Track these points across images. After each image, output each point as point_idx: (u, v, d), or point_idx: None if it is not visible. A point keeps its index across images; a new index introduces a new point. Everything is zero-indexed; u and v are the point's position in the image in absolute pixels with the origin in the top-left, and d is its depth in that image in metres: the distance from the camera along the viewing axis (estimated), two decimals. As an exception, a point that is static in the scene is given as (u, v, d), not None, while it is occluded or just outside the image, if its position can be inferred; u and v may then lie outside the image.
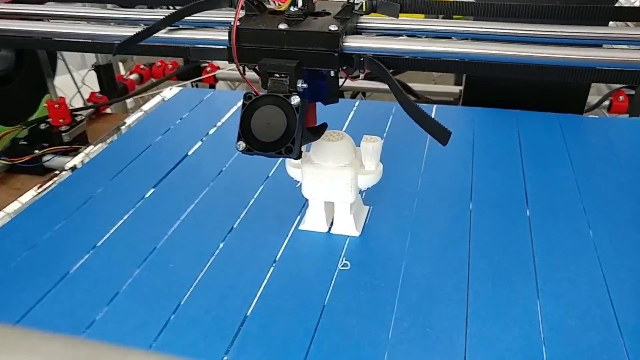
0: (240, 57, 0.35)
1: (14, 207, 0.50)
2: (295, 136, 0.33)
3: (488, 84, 0.68)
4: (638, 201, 0.48)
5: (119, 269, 0.41)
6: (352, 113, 0.65)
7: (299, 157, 0.34)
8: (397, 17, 0.35)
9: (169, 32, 0.38)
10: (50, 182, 0.54)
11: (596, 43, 0.35)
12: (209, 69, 0.86)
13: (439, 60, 0.35)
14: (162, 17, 0.37)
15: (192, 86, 0.87)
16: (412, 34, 0.38)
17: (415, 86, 0.82)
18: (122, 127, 0.65)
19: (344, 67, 0.35)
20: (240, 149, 0.34)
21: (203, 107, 0.69)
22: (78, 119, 0.71)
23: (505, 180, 0.51)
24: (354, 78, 0.76)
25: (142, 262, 0.42)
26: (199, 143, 0.60)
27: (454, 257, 0.41)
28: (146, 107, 0.71)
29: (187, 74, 0.85)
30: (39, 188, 0.52)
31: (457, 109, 0.67)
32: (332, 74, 0.36)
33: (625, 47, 0.35)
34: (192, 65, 0.85)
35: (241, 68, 0.36)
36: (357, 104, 0.67)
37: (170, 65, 0.86)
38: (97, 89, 0.83)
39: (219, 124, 0.65)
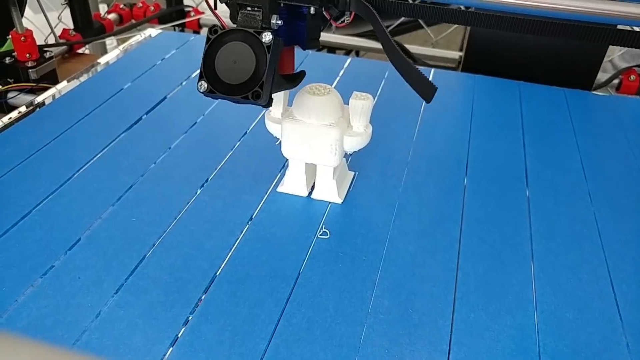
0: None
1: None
2: (264, 79, 0.28)
3: (490, 51, 0.63)
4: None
5: (78, 218, 0.37)
6: (342, 71, 0.60)
7: (268, 104, 0.30)
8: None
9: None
10: (11, 116, 0.49)
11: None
12: (192, 13, 0.80)
13: (435, 6, 0.30)
14: None
15: (174, 30, 0.81)
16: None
17: (413, 48, 0.77)
18: (97, 67, 0.60)
19: (328, 7, 0.30)
20: (201, 90, 0.30)
21: (183, 52, 0.64)
22: (47, 55, 0.65)
23: (504, 156, 0.47)
24: (340, 24, 0.70)
25: (103, 213, 0.38)
26: (177, 89, 0.55)
27: (444, 234, 0.37)
28: (123, 46, 0.65)
29: (170, 17, 0.79)
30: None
31: (456, 75, 0.62)
32: (312, 11, 0.31)
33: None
34: (175, 8, 0.78)
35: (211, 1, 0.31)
36: (348, 61, 0.62)
37: (152, 7, 0.79)
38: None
39: (198, 71, 0.59)
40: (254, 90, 0.29)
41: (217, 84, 0.29)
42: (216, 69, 0.29)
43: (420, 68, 0.46)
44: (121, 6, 0.82)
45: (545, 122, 0.53)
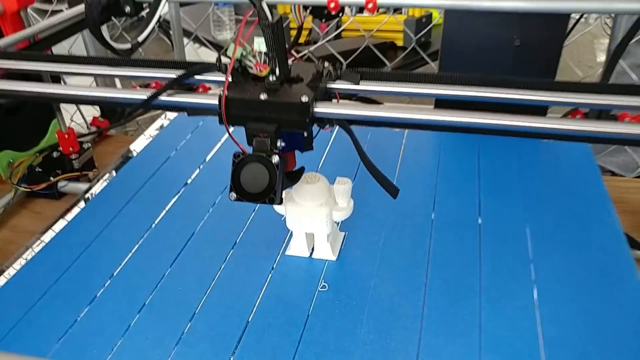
0: (229, 120, 0.42)
1: (49, 235, 0.57)
2: (276, 188, 0.41)
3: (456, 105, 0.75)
4: (579, 227, 0.55)
5: (137, 293, 0.49)
6: (330, 143, 0.72)
7: (280, 203, 0.42)
8: (358, 84, 0.43)
9: (170, 95, 0.46)
10: (71, 210, 0.61)
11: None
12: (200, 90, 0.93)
13: (398, 122, 0.42)
14: (166, 83, 0.45)
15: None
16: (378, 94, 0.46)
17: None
18: (130, 154, 0.73)
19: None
20: (232, 199, 0.42)
21: (198, 135, 0.76)
22: (85, 146, 0.78)
23: (462, 207, 0.58)
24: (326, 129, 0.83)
25: (157, 285, 0.50)
26: (197, 171, 0.68)
27: (415, 277, 0.49)
28: (148, 132, 0.78)
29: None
30: (64, 214, 0.60)
31: (425, 134, 0.73)
32: (305, 134, 0.43)
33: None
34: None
35: (230, 128, 0.43)
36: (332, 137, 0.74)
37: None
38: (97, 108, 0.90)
39: (213, 151, 0.72)
40: (269, 196, 0.41)
41: (243, 193, 0.42)
42: (241, 183, 0.42)
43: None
44: (137, 88, 0.95)
45: (497, 172, 0.64)
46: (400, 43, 1.22)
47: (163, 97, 0.45)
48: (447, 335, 0.43)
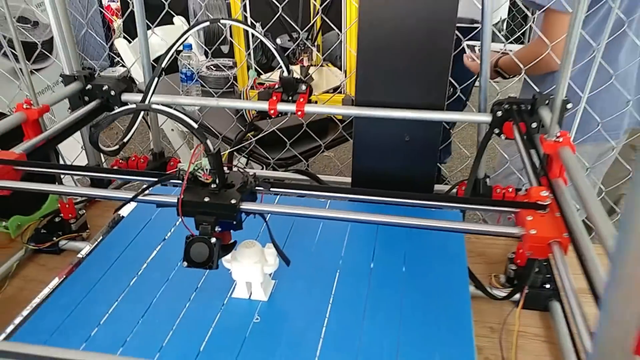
0: (184, 214, 0.64)
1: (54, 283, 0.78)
2: (213, 259, 0.62)
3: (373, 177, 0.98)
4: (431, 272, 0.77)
5: (125, 325, 0.70)
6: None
7: (216, 268, 0.63)
8: (269, 191, 0.65)
9: (144, 195, 0.67)
10: (71, 268, 0.82)
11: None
12: (172, 163, 1.14)
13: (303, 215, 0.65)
14: (142, 187, 0.66)
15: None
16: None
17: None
18: (118, 219, 0.94)
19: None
20: (184, 266, 0.63)
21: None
22: (80, 212, 0.99)
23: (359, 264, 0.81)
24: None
25: (142, 315, 0.70)
26: (169, 234, 0.88)
27: (320, 312, 0.71)
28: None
29: (156, 168, 1.12)
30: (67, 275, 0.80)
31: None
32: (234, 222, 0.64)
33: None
34: (159, 162, 1.12)
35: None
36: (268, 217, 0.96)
37: (142, 160, 1.12)
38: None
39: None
40: (209, 264, 0.62)
41: (192, 262, 0.63)
42: (190, 255, 0.63)
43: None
44: (120, 160, 1.15)
45: (388, 256, 0.82)
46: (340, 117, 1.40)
47: (140, 197, 0.67)
48: (337, 346, 0.65)
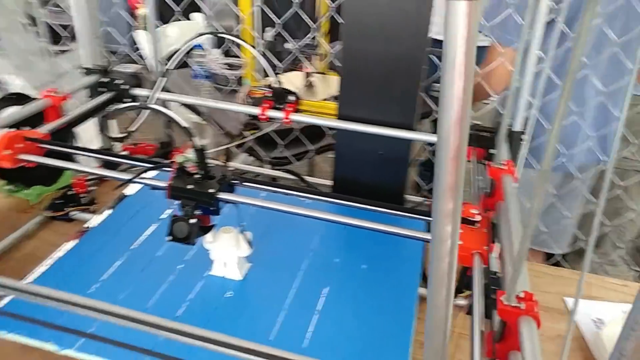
0: (172, 197, 0.76)
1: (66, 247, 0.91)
2: (191, 237, 0.75)
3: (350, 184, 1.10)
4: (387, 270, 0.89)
5: (117, 289, 0.83)
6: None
7: (194, 244, 0.75)
8: (242, 184, 0.77)
9: (142, 178, 0.80)
10: (80, 234, 0.95)
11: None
12: (174, 152, 1.26)
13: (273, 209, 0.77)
14: (136, 173, 0.79)
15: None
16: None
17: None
18: (122, 197, 1.07)
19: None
20: (167, 240, 0.76)
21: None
22: (90, 189, 1.12)
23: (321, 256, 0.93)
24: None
25: (134, 284, 0.83)
26: (164, 214, 1.01)
27: (276, 289, 0.83)
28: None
29: (163, 155, 1.26)
30: (78, 235, 0.94)
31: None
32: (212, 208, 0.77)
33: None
34: (163, 150, 1.25)
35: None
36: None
37: (150, 147, 1.25)
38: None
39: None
40: (188, 241, 0.75)
41: (174, 238, 0.75)
42: (173, 232, 0.75)
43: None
44: (130, 146, 1.28)
45: (353, 254, 0.95)
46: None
47: (137, 179, 0.80)
48: (292, 322, 0.77)
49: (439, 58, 1.15)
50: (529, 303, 0.53)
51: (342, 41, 1.00)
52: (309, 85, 1.77)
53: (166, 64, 1.06)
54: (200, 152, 0.75)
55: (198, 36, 0.98)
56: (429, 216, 0.90)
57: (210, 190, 0.75)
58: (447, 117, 0.28)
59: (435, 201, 0.32)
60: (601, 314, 0.86)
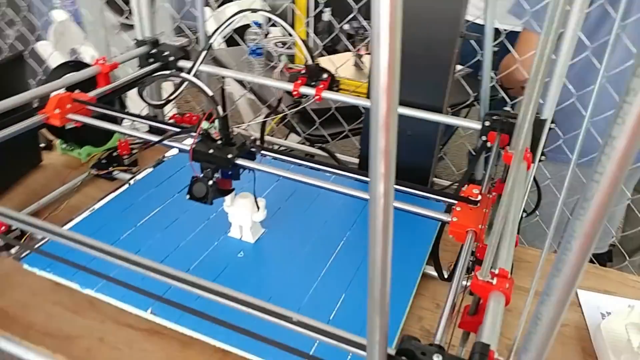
0: (194, 159, 0.82)
1: (103, 201, 1.00)
2: (208, 197, 0.80)
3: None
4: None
5: (143, 243, 0.90)
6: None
7: (211, 204, 0.81)
8: (260, 153, 0.82)
9: (170, 141, 0.86)
10: (119, 189, 1.03)
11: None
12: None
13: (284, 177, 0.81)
14: (164, 136, 0.85)
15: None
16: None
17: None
18: (163, 159, 1.15)
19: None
20: (187, 198, 0.81)
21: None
22: (133, 151, 1.21)
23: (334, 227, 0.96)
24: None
25: (149, 241, 0.91)
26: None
27: (284, 253, 0.87)
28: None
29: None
30: (115, 191, 1.02)
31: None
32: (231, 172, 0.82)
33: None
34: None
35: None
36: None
37: (195, 117, 1.33)
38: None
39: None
40: (205, 200, 0.81)
41: (193, 197, 0.81)
42: (193, 191, 0.81)
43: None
44: (176, 115, 1.36)
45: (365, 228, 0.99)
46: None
47: (166, 142, 0.86)
48: (294, 283, 0.82)
49: (478, 42, 1.12)
50: (501, 279, 0.54)
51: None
52: (358, 67, 1.79)
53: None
54: (224, 120, 0.80)
55: (237, 13, 1.03)
56: (453, 199, 0.93)
57: (229, 156, 0.80)
58: (376, 84, 0.30)
59: (371, 163, 0.34)
60: (610, 308, 0.85)
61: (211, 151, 0.81)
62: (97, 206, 0.99)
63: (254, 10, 0.97)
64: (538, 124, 0.90)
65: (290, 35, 2.06)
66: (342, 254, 0.90)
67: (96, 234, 0.91)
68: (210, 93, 0.80)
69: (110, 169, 1.17)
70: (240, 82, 1.64)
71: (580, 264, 0.31)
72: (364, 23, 1.87)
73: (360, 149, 1.13)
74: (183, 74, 0.80)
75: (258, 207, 0.89)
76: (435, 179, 1.21)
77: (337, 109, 1.43)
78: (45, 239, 0.88)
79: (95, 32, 2.34)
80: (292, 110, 1.28)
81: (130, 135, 0.96)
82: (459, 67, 1.76)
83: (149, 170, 1.12)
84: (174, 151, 1.18)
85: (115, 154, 1.20)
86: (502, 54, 1.31)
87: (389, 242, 0.36)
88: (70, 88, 1.04)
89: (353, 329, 0.51)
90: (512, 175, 0.79)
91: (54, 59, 1.97)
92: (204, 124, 0.82)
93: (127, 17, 1.85)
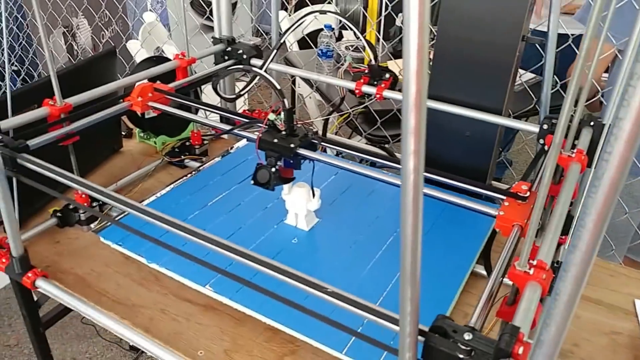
0: (260, 148, 0.88)
1: (174, 185, 1.08)
2: (270, 183, 0.86)
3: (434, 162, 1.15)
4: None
5: (207, 224, 0.97)
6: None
7: (272, 189, 0.87)
8: (320, 144, 0.86)
9: (240, 130, 0.92)
10: (187, 176, 1.12)
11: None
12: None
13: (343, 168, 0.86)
14: (241, 123, 0.92)
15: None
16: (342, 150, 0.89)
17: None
18: (230, 150, 1.23)
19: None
20: (252, 183, 0.88)
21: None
22: (204, 142, 1.30)
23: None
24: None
25: (214, 221, 0.98)
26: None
27: (337, 242, 0.92)
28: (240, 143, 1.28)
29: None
30: (185, 177, 1.10)
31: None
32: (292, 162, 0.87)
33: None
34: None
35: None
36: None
37: (264, 114, 1.40)
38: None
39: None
40: (267, 186, 0.86)
41: (257, 182, 0.87)
42: (257, 177, 0.87)
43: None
44: (246, 110, 1.44)
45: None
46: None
47: (236, 131, 0.93)
48: (345, 267, 0.86)
49: (542, 47, 1.12)
50: (538, 270, 0.56)
51: (438, 25, 1.04)
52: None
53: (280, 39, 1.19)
54: (289, 112, 0.86)
55: (308, 14, 1.09)
56: (502, 194, 0.94)
57: (292, 145, 0.85)
58: (407, 68, 0.34)
59: (403, 141, 0.38)
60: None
61: (275, 140, 0.86)
62: (167, 189, 1.08)
63: (323, 12, 1.02)
64: (598, 127, 0.90)
65: (358, 38, 2.12)
66: (391, 248, 0.93)
67: (165, 213, 0.99)
68: (278, 86, 0.86)
69: (182, 157, 1.26)
70: (308, 83, 1.70)
71: (595, 240, 0.33)
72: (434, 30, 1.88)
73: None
74: (254, 68, 0.86)
75: (313, 197, 0.94)
76: (494, 182, 1.21)
77: (399, 110, 1.46)
78: (122, 214, 0.97)
79: (177, 32, 2.50)
80: (355, 109, 1.33)
81: (204, 124, 1.03)
82: (529, 75, 1.74)
83: (217, 159, 1.19)
84: (240, 144, 1.25)
85: (187, 143, 1.29)
86: (566, 59, 1.30)
87: (419, 216, 0.40)
88: (151, 80, 1.14)
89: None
90: (568, 177, 0.79)
91: (141, 56, 2.12)
92: (271, 116, 0.88)
93: (207, 19, 1.97)
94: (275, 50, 1.13)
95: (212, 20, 1.32)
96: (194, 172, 1.15)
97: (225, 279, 0.78)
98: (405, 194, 0.39)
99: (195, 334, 0.80)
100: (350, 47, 1.99)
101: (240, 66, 0.91)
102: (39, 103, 0.96)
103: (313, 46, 1.95)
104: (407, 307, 0.45)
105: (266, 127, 0.88)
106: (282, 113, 0.87)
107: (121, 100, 1.06)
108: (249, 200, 1.04)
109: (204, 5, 2.85)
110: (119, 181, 1.16)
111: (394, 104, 1.40)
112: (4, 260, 0.88)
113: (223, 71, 0.92)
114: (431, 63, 1.07)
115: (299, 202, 0.94)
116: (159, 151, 1.30)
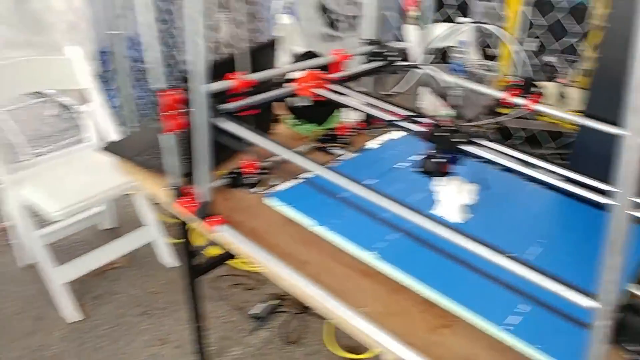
0: (429, 139, 0.95)
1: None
2: (434, 173, 0.92)
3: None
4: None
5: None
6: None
7: (435, 178, 0.93)
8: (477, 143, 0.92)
9: (404, 123, 1.00)
10: (332, 162, 1.21)
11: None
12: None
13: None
14: (402, 117, 0.99)
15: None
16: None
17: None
18: (366, 146, 1.31)
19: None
20: (414, 171, 0.94)
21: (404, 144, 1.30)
22: (349, 134, 1.39)
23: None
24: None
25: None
26: (402, 163, 1.22)
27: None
28: (385, 137, 1.35)
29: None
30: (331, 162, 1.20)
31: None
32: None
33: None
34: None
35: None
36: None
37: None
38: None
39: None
40: (430, 176, 0.93)
41: (420, 170, 0.94)
42: (425, 164, 0.94)
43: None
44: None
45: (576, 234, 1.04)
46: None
47: (399, 123, 1.00)
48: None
49: None
50: None
51: (601, 45, 1.07)
52: (561, 96, 1.82)
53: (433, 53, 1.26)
54: (457, 109, 0.93)
55: (461, 23, 1.15)
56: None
57: (454, 140, 0.91)
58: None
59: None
60: None
61: (441, 134, 0.93)
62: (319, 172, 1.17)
63: (478, 22, 1.08)
64: None
65: (489, 58, 2.15)
66: (542, 255, 0.96)
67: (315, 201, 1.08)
68: (449, 85, 0.93)
69: (327, 145, 1.36)
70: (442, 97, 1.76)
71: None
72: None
73: (570, 164, 1.18)
74: (424, 67, 0.94)
75: (467, 192, 0.99)
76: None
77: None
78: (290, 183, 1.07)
79: (304, 37, 2.65)
80: (500, 118, 1.37)
81: (370, 115, 1.11)
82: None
83: (374, 145, 1.28)
84: (376, 143, 1.33)
85: (333, 133, 1.39)
86: None
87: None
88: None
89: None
90: None
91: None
92: (442, 111, 0.95)
93: (330, 28, 2.08)
94: (429, 56, 1.20)
95: (335, 30, 1.40)
96: (339, 159, 1.24)
97: (388, 249, 0.86)
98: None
99: (357, 293, 0.88)
100: (482, 66, 2.03)
101: (409, 63, 0.98)
102: (220, 77, 1.08)
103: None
104: (611, 276, 0.49)
105: (435, 120, 0.95)
106: (450, 111, 0.94)
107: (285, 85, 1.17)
108: (400, 187, 1.11)
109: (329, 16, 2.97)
110: (265, 162, 1.27)
111: (534, 124, 1.43)
112: (193, 204, 1.01)
113: (390, 68, 1.00)
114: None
115: (450, 195, 1.00)
116: (305, 137, 1.41)
